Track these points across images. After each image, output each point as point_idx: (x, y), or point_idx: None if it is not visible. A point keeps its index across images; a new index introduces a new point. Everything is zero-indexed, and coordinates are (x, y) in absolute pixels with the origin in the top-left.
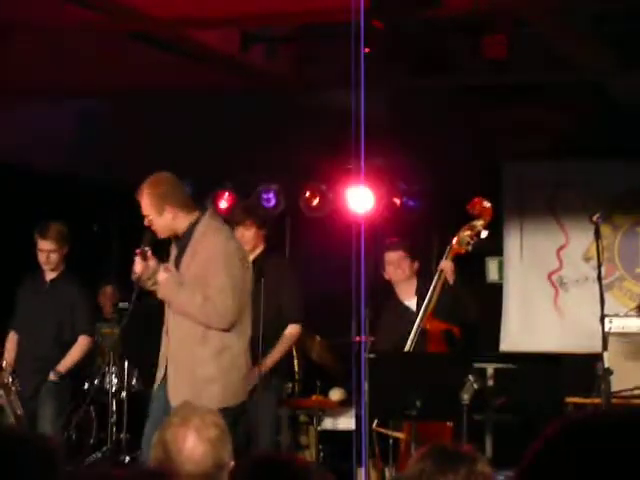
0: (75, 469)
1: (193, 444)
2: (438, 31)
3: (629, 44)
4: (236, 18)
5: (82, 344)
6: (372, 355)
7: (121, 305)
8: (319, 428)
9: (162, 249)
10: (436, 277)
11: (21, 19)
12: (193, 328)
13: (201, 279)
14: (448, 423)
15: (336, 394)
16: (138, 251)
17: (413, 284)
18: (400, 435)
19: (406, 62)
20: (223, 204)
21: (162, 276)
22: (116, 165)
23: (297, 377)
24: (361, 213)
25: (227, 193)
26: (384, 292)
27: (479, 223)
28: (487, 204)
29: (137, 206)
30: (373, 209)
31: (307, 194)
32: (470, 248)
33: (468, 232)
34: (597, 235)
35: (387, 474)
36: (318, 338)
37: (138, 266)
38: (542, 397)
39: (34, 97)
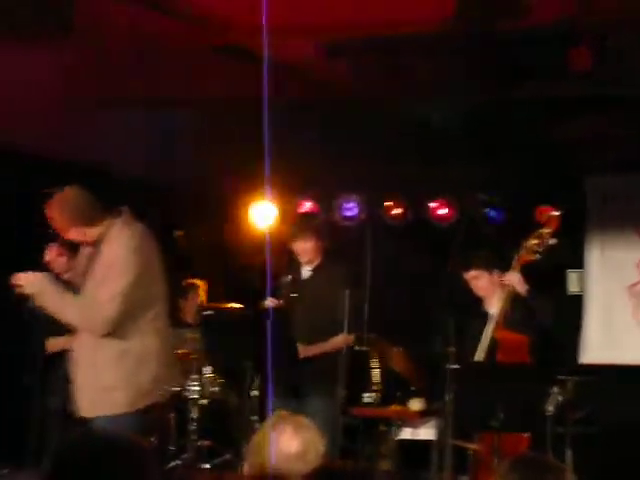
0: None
1: (289, 438)
2: (522, 42)
3: None
4: (320, 28)
5: None
6: (455, 366)
7: (205, 312)
8: (397, 438)
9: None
10: (503, 289)
11: (110, 30)
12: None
13: (99, 283)
14: (525, 434)
15: (416, 404)
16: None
17: (498, 293)
18: (474, 447)
19: (490, 73)
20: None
21: (34, 277)
22: (199, 174)
23: (377, 387)
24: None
25: (308, 202)
26: (470, 301)
27: (546, 231)
28: (553, 212)
29: (222, 212)
30: (453, 220)
31: (388, 204)
32: (538, 257)
33: (535, 240)
34: None
35: None
36: (399, 349)
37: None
38: (624, 411)
39: (121, 105)
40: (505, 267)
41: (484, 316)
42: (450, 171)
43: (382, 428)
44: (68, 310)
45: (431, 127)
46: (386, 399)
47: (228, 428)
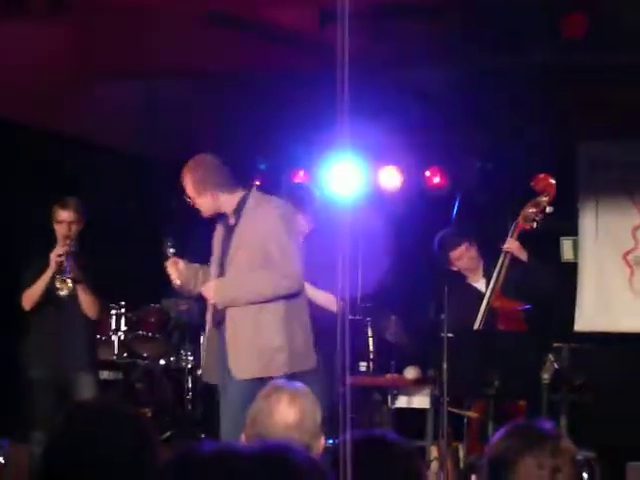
0: (191, 446)
1: (285, 407)
2: (516, 9)
3: None
4: None
5: None
6: (450, 334)
7: None
8: (393, 406)
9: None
10: (502, 256)
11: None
12: None
13: (260, 251)
14: (521, 402)
15: (411, 373)
16: (169, 262)
17: (480, 266)
18: (472, 414)
19: (482, 41)
20: None
21: (212, 286)
22: (188, 146)
23: (371, 356)
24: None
25: (302, 172)
26: (452, 274)
27: (544, 199)
28: (551, 180)
29: None
30: (449, 188)
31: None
32: (535, 225)
33: (533, 209)
34: None
35: (460, 452)
36: (393, 317)
37: (173, 275)
38: (618, 377)
39: (114, 78)
40: (501, 236)
41: (468, 287)
42: (445, 140)
43: (377, 397)
44: (260, 289)
45: (426, 94)
46: (381, 368)
47: None
